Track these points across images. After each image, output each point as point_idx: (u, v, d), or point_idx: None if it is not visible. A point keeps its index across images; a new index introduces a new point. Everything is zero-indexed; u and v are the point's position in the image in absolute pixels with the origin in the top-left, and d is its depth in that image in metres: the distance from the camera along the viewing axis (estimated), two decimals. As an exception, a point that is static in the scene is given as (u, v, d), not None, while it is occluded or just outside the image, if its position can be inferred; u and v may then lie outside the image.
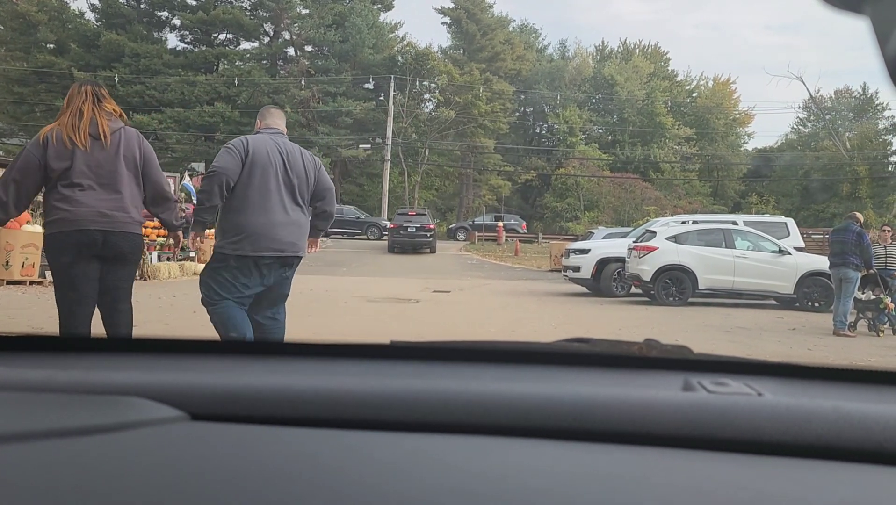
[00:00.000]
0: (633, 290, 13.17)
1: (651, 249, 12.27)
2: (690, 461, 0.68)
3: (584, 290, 14.13)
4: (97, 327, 3.79)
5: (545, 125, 48.54)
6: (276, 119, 4.04)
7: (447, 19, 45.97)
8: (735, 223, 14.09)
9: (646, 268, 12.17)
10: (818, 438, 0.69)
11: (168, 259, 15.03)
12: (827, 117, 44.96)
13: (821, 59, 75.22)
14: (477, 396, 0.76)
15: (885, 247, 9.60)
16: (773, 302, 12.42)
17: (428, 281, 15.42)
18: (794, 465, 0.67)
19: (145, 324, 7.58)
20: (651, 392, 0.80)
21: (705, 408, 0.73)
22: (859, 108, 46.67)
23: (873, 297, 8.77)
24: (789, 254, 12.27)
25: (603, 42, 52.28)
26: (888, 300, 8.73)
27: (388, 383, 0.81)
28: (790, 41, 77.53)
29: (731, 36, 78.57)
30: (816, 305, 11.81)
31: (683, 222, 14.97)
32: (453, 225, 37.26)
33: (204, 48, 41.27)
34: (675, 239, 12.54)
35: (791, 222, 15.18)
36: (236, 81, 38.30)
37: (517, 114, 46.87)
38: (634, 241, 13.13)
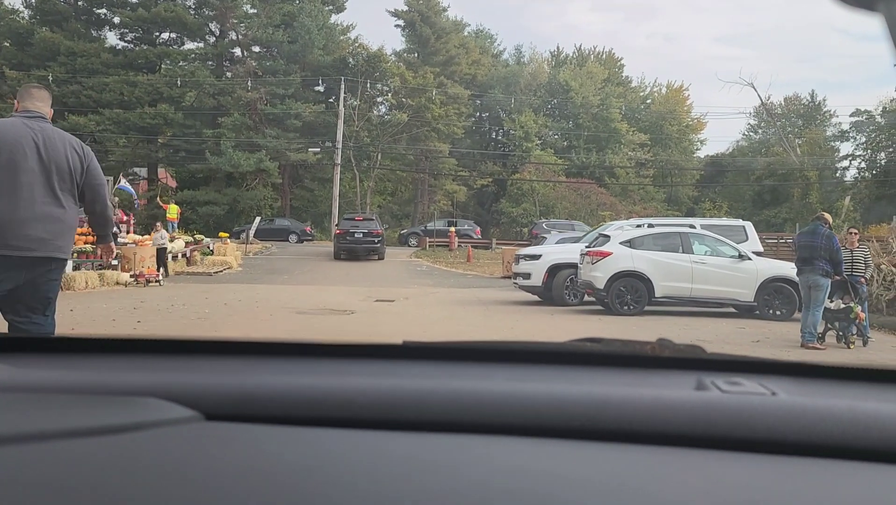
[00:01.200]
0: (587, 298, 12.42)
1: (604, 255, 11.52)
2: (704, 461, 0.68)
3: (536, 298, 13.33)
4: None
5: (501, 130, 48.07)
6: (37, 101, 3.49)
7: (401, 22, 45.09)
8: (693, 227, 13.46)
9: (599, 274, 11.39)
10: (833, 437, 0.69)
11: (90, 267, 13.79)
12: (778, 124, 45.54)
13: (770, 68, 77.18)
14: (489, 396, 0.76)
15: (851, 251, 8.92)
16: (732, 310, 11.78)
17: (371, 290, 14.46)
18: (809, 464, 0.67)
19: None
20: (664, 392, 0.79)
21: (719, 407, 0.73)
22: (808, 115, 47.64)
23: (843, 305, 8.07)
24: (749, 259, 11.65)
25: (558, 48, 51.97)
26: (858, 309, 8.04)
27: (401, 383, 0.81)
28: (740, 52, 79.17)
29: (682, 46, 79.80)
30: (777, 312, 11.21)
31: (639, 226, 14.33)
32: (405, 230, 36.23)
33: (145, 47, 39.59)
34: (630, 243, 11.79)
35: (749, 226, 14.66)
36: (179, 82, 36.66)
37: (473, 119, 46.30)
38: (587, 247, 12.37)
